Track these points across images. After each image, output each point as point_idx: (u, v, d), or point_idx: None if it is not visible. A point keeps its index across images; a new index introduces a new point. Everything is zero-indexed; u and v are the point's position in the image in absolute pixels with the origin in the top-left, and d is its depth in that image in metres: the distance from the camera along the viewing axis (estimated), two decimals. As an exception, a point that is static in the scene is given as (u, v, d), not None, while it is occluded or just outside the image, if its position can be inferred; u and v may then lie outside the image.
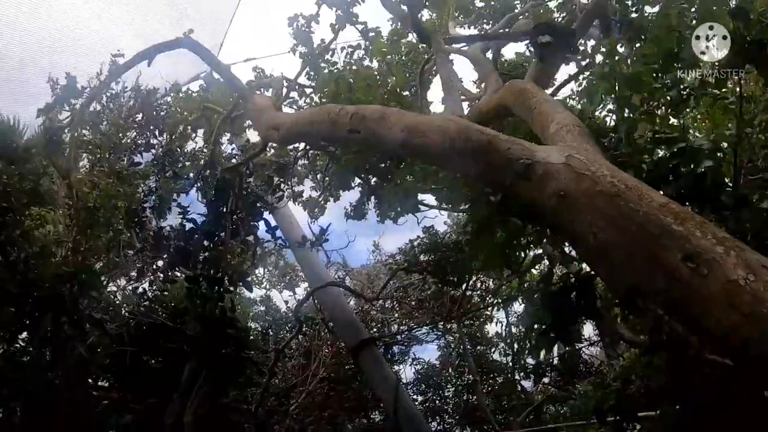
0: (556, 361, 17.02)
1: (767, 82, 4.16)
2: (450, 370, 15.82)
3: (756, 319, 2.26)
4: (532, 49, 5.56)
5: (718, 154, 3.83)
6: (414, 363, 15.77)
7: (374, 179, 11.48)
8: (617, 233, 2.69)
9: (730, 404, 4.24)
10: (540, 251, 7.72)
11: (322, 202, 12.54)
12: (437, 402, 15.20)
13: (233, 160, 10.07)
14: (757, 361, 2.27)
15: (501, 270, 13.77)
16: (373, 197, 11.91)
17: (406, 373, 15.37)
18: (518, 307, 17.15)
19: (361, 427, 14.09)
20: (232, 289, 8.64)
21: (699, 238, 2.55)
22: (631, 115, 4.19)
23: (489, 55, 9.43)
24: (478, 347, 16.30)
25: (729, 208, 3.49)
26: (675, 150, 3.73)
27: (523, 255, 13.47)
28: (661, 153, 3.98)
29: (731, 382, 4.34)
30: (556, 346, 18.29)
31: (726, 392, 4.37)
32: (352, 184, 11.92)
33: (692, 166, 3.65)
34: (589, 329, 17.86)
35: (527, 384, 16.15)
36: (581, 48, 7.24)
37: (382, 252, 16.93)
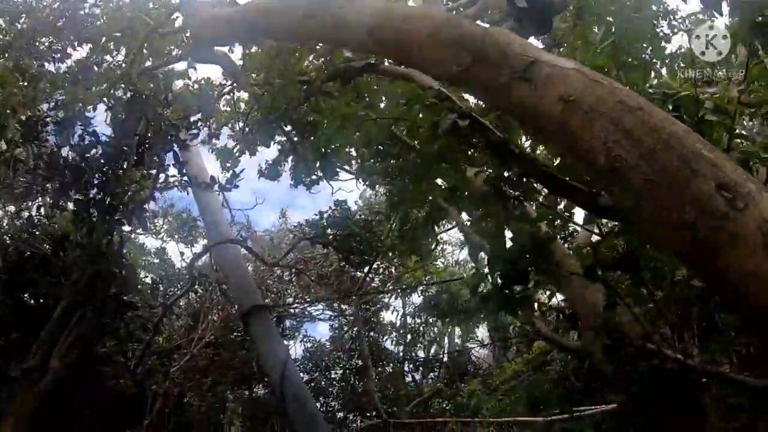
0: (445, 358, 17.06)
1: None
2: (341, 353, 15.33)
3: None
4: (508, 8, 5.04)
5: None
6: (304, 340, 15.16)
7: (296, 136, 10.89)
8: (638, 151, 2.24)
9: (667, 399, 3.98)
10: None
11: (237, 154, 11.67)
12: (323, 383, 14.65)
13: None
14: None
15: (409, 255, 13.53)
16: (291, 158, 11.34)
17: (296, 349, 14.78)
18: (416, 298, 17.06)
19: (243, 399, 13.29)
20: (125, 222, 7.71)
21: (732, 170, 2.16)
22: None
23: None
24: (372, 333, 15.91)
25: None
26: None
27: (434, 245, 13.37)
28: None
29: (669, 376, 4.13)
30: (446, 343, 18.40)
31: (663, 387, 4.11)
32: (273, 142, 11.26)
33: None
34: (482, 331, 18.09)
35: (417, 376, 16.03)
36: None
37: (289, 221, 16.21)
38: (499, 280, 3.76)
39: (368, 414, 14.70)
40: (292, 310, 14.46)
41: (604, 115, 2.32)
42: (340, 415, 15.02)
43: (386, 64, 4.89)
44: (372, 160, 10.76)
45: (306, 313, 15.11)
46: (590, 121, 2.34)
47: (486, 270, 4.08)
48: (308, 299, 14.75)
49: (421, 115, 4.20)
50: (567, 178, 3.11)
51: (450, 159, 4.06)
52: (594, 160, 2.35)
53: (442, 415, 12.73)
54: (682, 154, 2.18)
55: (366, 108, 4.80)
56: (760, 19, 3.22)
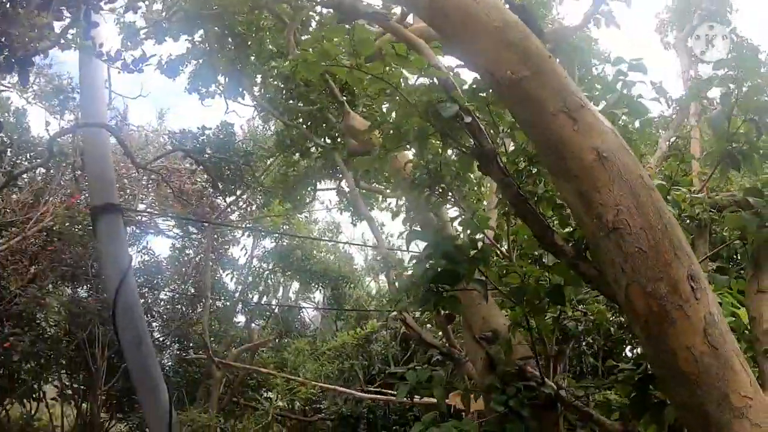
0: (277, 310, 17.27)
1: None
2: (178, 276, 14.89)
3: (717, 354, 2.50)
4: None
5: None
6: (143, 251, 14.48)
7: (216, 42, 10.41)
8: (641, 223, 2.58)
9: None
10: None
11: (143, 36, 10.85)
12: (150, 302, 14.14)
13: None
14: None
15: (281, 200, 13.49)
16: (198, 61, 10.83)
17: (134, 259, 13.99)
18: (269, 243, 17.06)
19: (65, 300, 12.40)
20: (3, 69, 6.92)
21: (697, 264, 2.66)
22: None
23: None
24: (217, 266, 15.64)
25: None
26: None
27: (308, 197, 13.46)
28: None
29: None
30: (280, 295, 18.59)
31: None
32: (186, 38, 10.65)
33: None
34: (319, 294, 18.53)
35: (247, 320, 16.04)
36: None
37: (166, 124, 15.35)
38: (429, 275, 3.95)
39: (192, 346, 14.51)
40: (140, 218, 13.75)
41: (625, 182, 2.61)
42: (161, 339, 14.62)
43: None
44: (284, 97, 10.63)
45: (153, 224, 14.45)
46: (613, 181, 2.62)
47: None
48: (163, 211, 14.15)
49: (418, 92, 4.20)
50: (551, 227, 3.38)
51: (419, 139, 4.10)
52: (601, 215, 2.64)
53: (266, 366, 12.89)
54: (673, 240, 2.57)
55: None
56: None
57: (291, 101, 10.12)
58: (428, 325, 8.30)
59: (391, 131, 4.01)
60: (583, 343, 4.92)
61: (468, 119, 3.44)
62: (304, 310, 17.25)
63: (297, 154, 10.81)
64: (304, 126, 9.41)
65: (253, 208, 14.94)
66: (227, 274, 16.22)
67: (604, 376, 5.02)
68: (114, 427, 14.68)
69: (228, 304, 15.86)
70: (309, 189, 12.40)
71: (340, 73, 4.45)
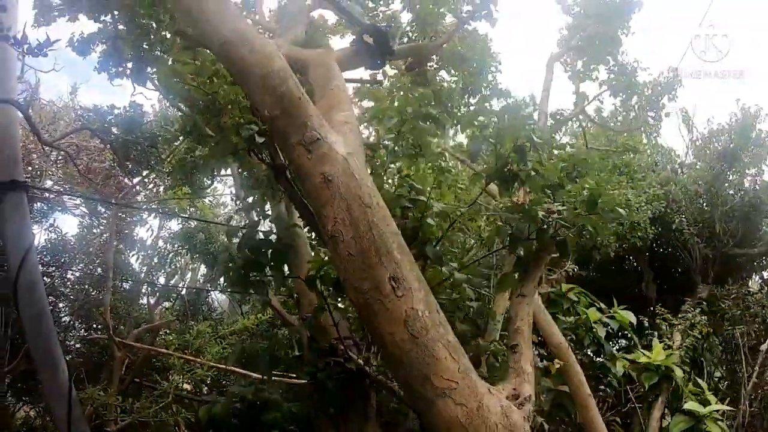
0: (184, 292, 17.75)
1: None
2: (84, 255, 15.25)
3: (416, 342, 3.27)
4: (353, 38, 6.12)
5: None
6: (50, 229, 14.79)
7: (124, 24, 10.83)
8: (353, 234, 3.50)
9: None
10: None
11: (56, 14, 11.26)
12: (56, 282, 14.48)
13: None
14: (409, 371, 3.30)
15: (182, 182, 13.99)
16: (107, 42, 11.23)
17: (40, 237, 14.32)
18: (175, 225, 17.51)
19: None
20: None
21: (408, 270, 3.50)
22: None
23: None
24: (122, 246, 16.04)
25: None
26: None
27: (207, 182, 14.02)
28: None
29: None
30: (188, 277, 19.10)
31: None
32: (96, 18, 11.06)
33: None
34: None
35: (152, 301, 16.47)
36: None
37: (78, 99, 15.61)
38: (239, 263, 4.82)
39: (94, 326, 14.89)
40: (47, 195, 14.08)
41: (344, 200, 3.52)
42: (66, 319, 14.97)
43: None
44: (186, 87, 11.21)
45: (61, 202, 14.78)
46: (334, 198, 3.53)
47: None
48: (69, 189, 14.49)
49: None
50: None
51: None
52: (324, 224, 3.54)
53: (167, 348, 13.45)
54: (379, 248, 3.47)
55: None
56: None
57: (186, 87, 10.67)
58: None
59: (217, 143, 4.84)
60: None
61: (261, 140, 4.29)
62: (212, 293, 17.80)
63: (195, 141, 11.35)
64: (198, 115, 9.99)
65: (160, 189, 15.38)
66: (133, 255, 16.63)
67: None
68: (20, 411, 14.96)
69: (133, 285, 16.28)
70: (208, 175, 12.93)
71: (191, 89, 5.30)
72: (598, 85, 13.06)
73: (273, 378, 9.95)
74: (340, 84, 4.93)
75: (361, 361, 5.45)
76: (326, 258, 5.05)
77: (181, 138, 12.55)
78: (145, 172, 14.11)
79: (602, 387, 9.28)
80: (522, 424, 3.58)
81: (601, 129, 15.73)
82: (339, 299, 5.31)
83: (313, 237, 6.05)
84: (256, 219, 5.82)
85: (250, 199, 6.95)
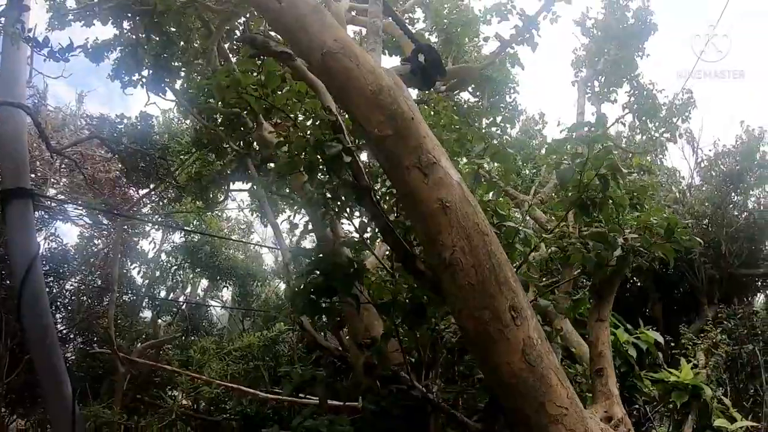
0: (184, 307, 17.52)
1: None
2: (85, 266, 14.96)
3: (533, 370, 3.19)
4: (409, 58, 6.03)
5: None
6: (50, 238, 14.48)
7: (144, 32, 10.68)
8: (472, 262, 3.37)
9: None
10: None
11: (71, 17, 11.09)
12: (55, 291, 14.17)
13: None
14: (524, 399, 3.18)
15: (196, 195, 13.82)
16: (123, 49, 11.05)
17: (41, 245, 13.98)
18: (178, 239, 17.32)
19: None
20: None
21: (521, 297, 3.40)
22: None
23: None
24: (124, 258, 15.78)
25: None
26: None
27: (220, 196, 13.87)
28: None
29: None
30: (188, 291, 18.85)
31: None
32: (113, 23, 10.89)
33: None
34: (227, 292, 18.88)
35: (154, 316, 16.20)
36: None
37: (85, 107, 15.40)
38: (308, 288, 4.68)
39: (96, 340, 14.59)
40: (50, 203, 13.80)
41: (463, 228, 3.40)
42: (67, 332, 14.65)
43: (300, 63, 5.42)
44: (204, 97, 11.05)
45: (63, 210, 14.50)
46: (452, 226, 3.40)
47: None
48: (73, 198, 14.22)
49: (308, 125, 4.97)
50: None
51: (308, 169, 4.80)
52: (441, 252, 3.43)
53: (171, 364, 13.21)
54: (498, 276, 3.37)
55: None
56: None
57: (210, 100, 10.57)
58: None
59: (288, 158, 4.68)
60: (456, 352, 5.77)
61: (348, 159, 4.17)
62: (211, 308, 17.59)
63: (212, 155, 11.23)
64: (221, 128, 9.85)
65: (165, 202, 15.18)
66: (135, 268, 16.39)
67: (473, 383, 5.86)
68: (14, 423, 14.59)
69: (135, 298, 16.01)
70: (222, 189, 12.83)
71: (250, 100, 5.15)
72: (620, 107, 13.20)
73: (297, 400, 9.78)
74: (414, 107, 4.82)
75: (423, 389, 5.33)
76: (399, 284, 4.93)
77: (194, 150, 12.42)
78: (152, 185, 13.92)
79: (636, 406, 9.23)
80: (620, 448, 3.53)
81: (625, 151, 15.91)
82: (404, 326, 5.18)
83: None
84: (330, 239, 5.67)
85: (302, 219, 6.80)
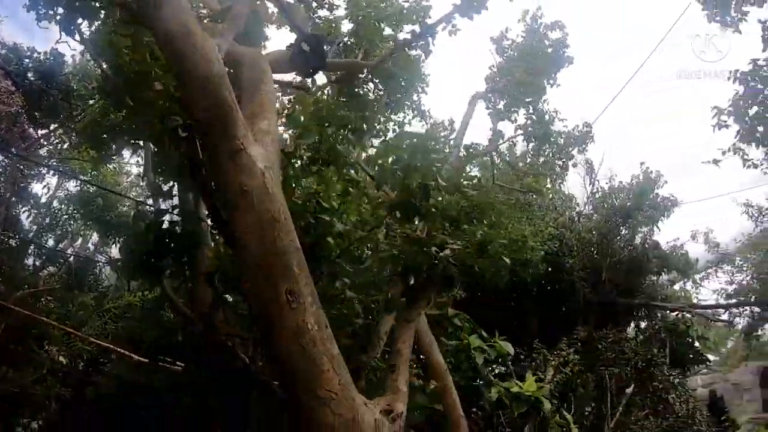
0: (72, 259, 17.17)
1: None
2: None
3: (304, 353, 3.56)
4: (291, 42, 6.31)
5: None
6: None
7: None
8: (258, 245, 3.75)
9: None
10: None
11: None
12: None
13: None
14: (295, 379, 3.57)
15: (91, 143, 13.50)
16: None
17: None
18: (72, 187, 16.89)
19: None
20: None
21: (304, 285, 3.78)
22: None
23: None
24: (13, 198, 15.31)
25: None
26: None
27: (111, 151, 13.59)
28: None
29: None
30: (78, 244, 18.43)
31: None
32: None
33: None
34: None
35: (38, 264, 15.86)
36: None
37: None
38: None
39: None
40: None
41: (256, 212, 3.76)
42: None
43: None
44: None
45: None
46: (247, 210, 3.75)
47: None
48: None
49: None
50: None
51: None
52: (235, 232, 3.77)
53: (48, 316, 12.99)
54: (281, 261, 3.72)
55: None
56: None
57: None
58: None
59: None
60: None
61: (184, 134, 4.46)
62: (99, 264, 17.29)
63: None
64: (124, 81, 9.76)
65: (64, 147, 14.81)
66: (24, 211, 15.93)
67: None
68: None
69: (20, 243, 15.62)
70: (118, 142, 12.63)
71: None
72: (514, 128, 13.88)
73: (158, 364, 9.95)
74: (269, 89, 5.12)
75: (246, 360, 5.68)
76: (224, 257, 5.24)
77: (97, 97, 12.17)
78: (53, 126, 13.63)
79: (474, 410, 9.84)
80: (390, 437, 3.95)
81: (515, 170, 16.63)
82: (233, 298, 5.49)
83: (216, 234, 6.20)
84: (164, 207, 5.93)
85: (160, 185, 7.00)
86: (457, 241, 5.45)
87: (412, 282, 5.32)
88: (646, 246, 18.43)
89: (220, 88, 3.98)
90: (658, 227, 19.00)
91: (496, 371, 10.45)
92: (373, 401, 4.29)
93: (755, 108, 12.58)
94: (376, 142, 11.85)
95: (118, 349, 12.99)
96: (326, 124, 5.99)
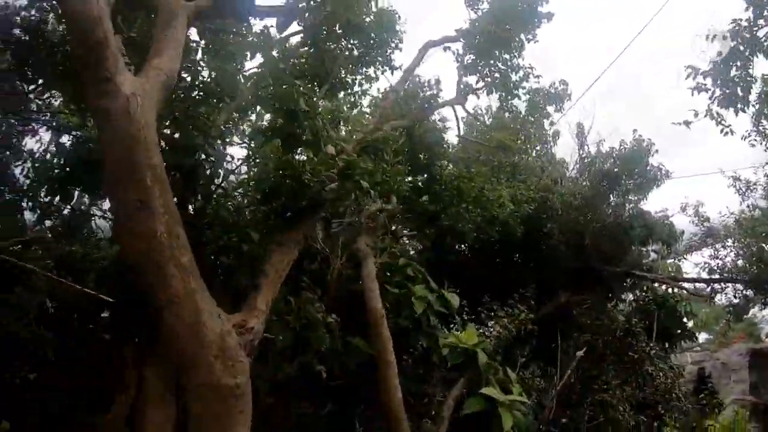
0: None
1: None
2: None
3: (149, 256, 3.96)
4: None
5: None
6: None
7: None
8: (116, 160, 4.18)
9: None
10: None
11: None
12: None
13: None
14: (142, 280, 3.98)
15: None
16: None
17: None
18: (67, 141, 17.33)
19: None
20: None
21: (156, 197, 4.14)
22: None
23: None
24: (7, 152, 15.81)
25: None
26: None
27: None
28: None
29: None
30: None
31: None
32: None
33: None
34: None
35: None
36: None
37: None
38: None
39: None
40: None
41: (115, 131, 4.13)
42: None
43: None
44: None
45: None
46: (110, 129, 4.12)
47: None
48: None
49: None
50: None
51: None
52: (102, 142, 4.13)
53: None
54: (134, 176, 4.08)
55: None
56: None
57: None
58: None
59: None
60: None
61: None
62: (95, 218, 17.75)
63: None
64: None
65: (56, 101, 15.18)
66: (17, 165, 16.41)
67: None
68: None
69: (13, 197, 16.13)
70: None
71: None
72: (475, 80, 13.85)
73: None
74: (175, 33, 5.48)
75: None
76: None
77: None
78: (41, 80, 13.99)
79: (405, 358, 10.13)
80: (235, 348, 4.34)
81: (482, 126, 16.58)
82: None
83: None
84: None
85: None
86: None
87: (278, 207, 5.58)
88: (632, 213, 18.39)
89: (96, 27, 4.36)
90: (646, 197, 18.93)
91: (439, 323, 10.54)
92: (227, 315, 4.69)
93: (734, 70, 12.39)
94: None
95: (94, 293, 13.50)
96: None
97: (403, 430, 8.47)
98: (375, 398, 9.17)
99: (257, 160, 6.28)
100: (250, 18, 7.40)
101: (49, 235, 16.08)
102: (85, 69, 4.33)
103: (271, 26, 9.99)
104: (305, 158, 5.85)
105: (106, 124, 4.18)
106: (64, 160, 16.45)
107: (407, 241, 14.25)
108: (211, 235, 5.56)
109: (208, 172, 5.57)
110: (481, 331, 11.33)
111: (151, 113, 4.39)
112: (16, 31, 12.89)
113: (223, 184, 5.67)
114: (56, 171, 17.20)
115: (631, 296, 20.25)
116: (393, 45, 12.44)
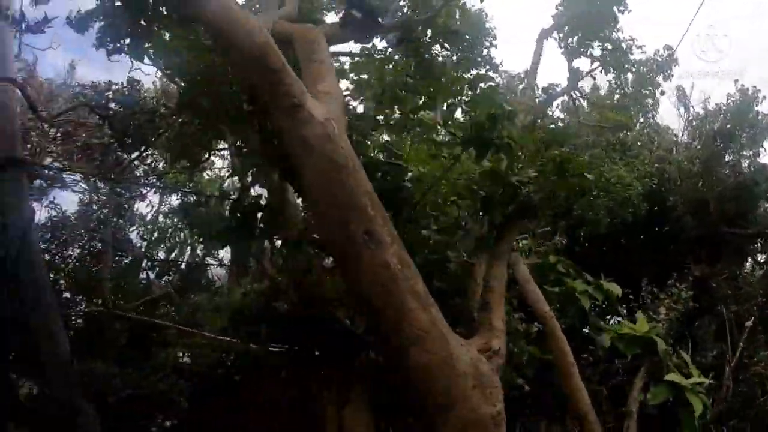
0: (183, 266, 18.06)
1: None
2: (84, 231, 15.50)
3: (389, 291, 3.59)
4: (342, 12, 6.37)
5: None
6: (50, 206, 15.05)
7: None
8: (325, 191, 3.80)
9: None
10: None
11: (55, -9, 11.45)
12: (57, 258, 14.75)
13: None
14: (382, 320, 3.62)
15: (179, 155, 14.13)
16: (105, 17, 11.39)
17: (40, 213, 14.52)
18: (175, 200, 17.76)
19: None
20: None
21: (380, 225, 3.81)
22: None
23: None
24: (121, 221, 16.31)
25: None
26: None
27: (206, 155, 14.21)
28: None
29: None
30: (188, 252, 19.38)
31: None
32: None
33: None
34: (226, 253, 19.39)
35: (152, 276, 16.78)
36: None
37: (79, 75, 15.84)
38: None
39: (94, 300, 15.17)
40: (48, 172, 14.37)
41: (319, 159, 3.81)
42: (67, 295, 15.23)
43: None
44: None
45: (60, 179, 15.05)
46: (312, 158, 3.81)
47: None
48: (67, 165, 14.75)
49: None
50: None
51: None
52: (300, 179, 3.84)
53: (163, 318, 13.77)
54: (352, 204, 3.75)
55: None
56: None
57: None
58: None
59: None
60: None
61: (249, 107, 4.57)
62: (210, 267, 18.10)
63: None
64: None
65: (159, 165, 15.57)
66: (133, 230, 16.90)
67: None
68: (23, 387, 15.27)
69: (133, 259, 16.58)
70: (205, 147, 13.11)
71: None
72: (590, 62, 13.26)
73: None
74: (323, 57, 5.21)
75: (348, 322, 5.78)
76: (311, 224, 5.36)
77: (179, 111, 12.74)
78: (143, 147, 14.32)
79: (584, 356, 9.59)
80: (490, 375, 3.91)
81: (597, 106, 15.92)
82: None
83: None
84: (247, 185, 6.13)
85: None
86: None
87: (496, 218, 5.24)
88: (753, 169, 17.15)
89: (267, 53, 4.10)
90: (764, 147, 17.65)
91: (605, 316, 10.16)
92: (468, 340, 4.26)
93: None
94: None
95: (233, 341, 13.56)
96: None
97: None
98: (548, 403, 8.66)
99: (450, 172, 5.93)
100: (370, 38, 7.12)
101: (171, 290, 16.51)
102: (269, 101, 4.04)
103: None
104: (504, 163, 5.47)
105: (304, 154, 3.87)
106: (183, 215, 17.00)
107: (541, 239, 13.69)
108: (419, 259, 5.23)
109: (409, 190, 5.22)
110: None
111: (345, 137, 4.08)
112: (111, 105, 13.21)
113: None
114: (170, 229, 17.80)
115: (761, 258, 18.88)
116: (487, 44, 12.07)
